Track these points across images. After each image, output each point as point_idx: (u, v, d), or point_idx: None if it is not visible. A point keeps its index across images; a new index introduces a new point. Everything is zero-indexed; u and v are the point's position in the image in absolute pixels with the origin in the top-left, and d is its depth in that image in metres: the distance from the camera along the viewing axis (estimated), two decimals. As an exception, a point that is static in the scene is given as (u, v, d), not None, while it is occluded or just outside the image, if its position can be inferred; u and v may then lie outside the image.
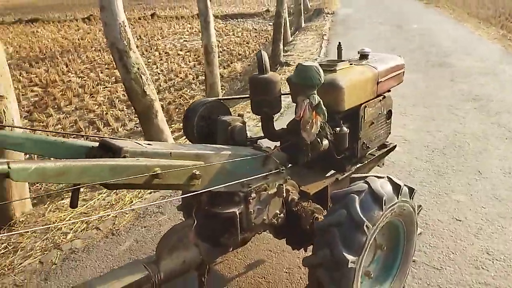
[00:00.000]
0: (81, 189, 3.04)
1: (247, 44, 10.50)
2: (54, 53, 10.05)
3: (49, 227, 2.63)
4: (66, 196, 3.20)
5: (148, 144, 1.27)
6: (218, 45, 6.66)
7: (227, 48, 10.17)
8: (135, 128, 5.52)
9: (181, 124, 5.62)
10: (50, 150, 1.14)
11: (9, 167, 0.82)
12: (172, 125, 5.33)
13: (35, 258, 2.37)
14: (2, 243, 2.58)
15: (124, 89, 4.10)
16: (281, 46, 7.96)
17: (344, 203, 1.50)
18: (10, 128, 2.08)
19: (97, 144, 1.20)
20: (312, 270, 1.58)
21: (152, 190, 3.03)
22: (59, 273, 2.19)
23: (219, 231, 1.54)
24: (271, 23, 10.89)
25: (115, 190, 3.11)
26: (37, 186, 3.90)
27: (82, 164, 0.97)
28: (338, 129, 1.82)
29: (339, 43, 2.04)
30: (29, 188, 3.15)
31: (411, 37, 8.96)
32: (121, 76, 3.74)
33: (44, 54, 10.06)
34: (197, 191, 1.28)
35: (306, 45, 9.22)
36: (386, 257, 1.84)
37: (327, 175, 1.96)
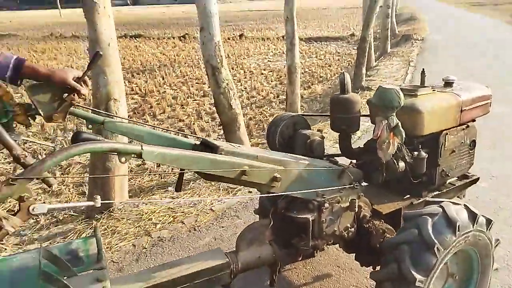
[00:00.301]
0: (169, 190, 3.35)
1: (329, 67, 10.60)
2: (153, 66, 11.19)
3: (142, 216, 3.01)
4: (156, 193, 3.61)
5: (239, 146, 1.48)
6: (300, 67, 6.88)
7: (309, 70, 10.38)
8: (217, 138, 5.93)
9: (260, 139, 5.89)
10: (163, 143, 1.40)
11: (142, 149, 1.07)
12: (251, 140, 5.63)
13: (129, 241, 2.74)
14: (102, 226, 3.01)
15: (213, 102, 4.49)
16: (364, 71, 7.94)
17: (416, 223, 1.54)
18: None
19: (198, 142, 1.45)
20: (379, 284, 1.64)
21: (230, 196, 3.30)
22: (148, 256, 2.53)
23: (292, 234, 1.68)
24: (355, 47, 10.89)
25: (197, 192, 3.45)
26: (131, 182, 4.43)
27: (191, 154, 1.20)
28: (416, 153, 1.86)
29: (423, 69, 2.09)
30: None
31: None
32: (211, 89, 4.13)
33: (144, 67, 11.23)
34: (276, 192, 1.45)
35: (391, 71, 9.05)
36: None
37: (402, 198, 1.99)
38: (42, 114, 1.22)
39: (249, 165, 1.36)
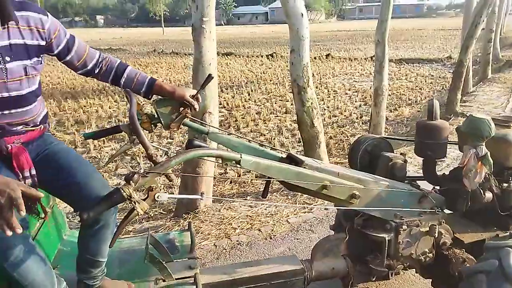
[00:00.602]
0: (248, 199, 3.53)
1: (419, 90, 10.14)
2: (240, 82, 11.82)
3: (223, 220, 3.26)
4: (236, 201, 3.86)
5: (322, 162, 1.61)
6: (388, 89, 6.75)
7: (397, 92, 10.05)
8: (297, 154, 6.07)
9: (339, 158, 5.88)
10: (255, 154, 1.58)
11: (241, 157, 1.26)
12: (331, 158, 5.66)
13: (211, 241, 3.00)
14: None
15: (295, 119, 4.67)
16: (459, 96, 7.47)
17: (497, 254, 1.50)
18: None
19: (285, 155, 1.61)
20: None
21: (306, 211, 3.41)
22: (227, 256, 2.75)
23: (366, 251, 1.74)
24: (451, 71, 10.27)
25: (275, 204, 3.62)
26: (214, 189, 4.77)
27: (280, 165, 1.37)
28: (505, 185, 1.80)
29: None
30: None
31: None
32: (295, 107, 4.31)
33: (233, 83, 11.91)
34: (353, 208, 1.54)
35: (490, 98, 8.37)
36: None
37: (486, 229, 1.92)
38: (162, 123, 1.51)
39: (330, 181, 1.47)
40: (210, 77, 1.56)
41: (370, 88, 7.53)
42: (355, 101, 9.20)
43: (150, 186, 1.08)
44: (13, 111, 1.39)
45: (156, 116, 1.51)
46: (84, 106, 8.73)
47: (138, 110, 1.39)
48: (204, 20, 3.00)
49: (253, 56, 17.98)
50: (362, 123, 7.52)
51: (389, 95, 9.33)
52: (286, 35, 4.12)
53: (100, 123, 7.42)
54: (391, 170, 1.91)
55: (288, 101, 9.08)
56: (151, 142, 1.22)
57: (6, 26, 1.34)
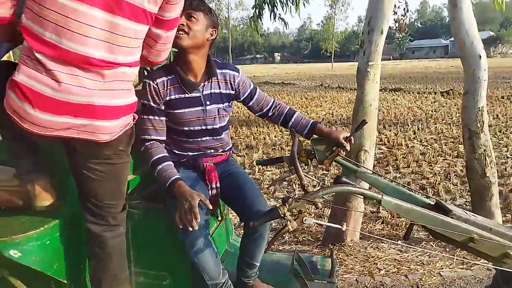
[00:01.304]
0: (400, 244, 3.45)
1: None
2: (406, 120, 11.27)
3: (369, 258, 3.27)
4: (384, 242, 3.79)
5: (473, 215, 1.56)
6: None
7: None
8: (464, 205, 5.46)
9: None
10: (400, 197, 1.66)
11: (382, 197, 1.40)
12: (508, 215, 4.88)
13: (352, 275, 3.06)
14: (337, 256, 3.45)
15: (465, 166, 4.28)
16: None
17: None
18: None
19: (433, 202, 1.63)
20: None
21: (464, 267, 3.10)
22: (367, 294, 2.77)
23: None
24: None
25: (428, 254, 3.41)
26: (363, 226, 4.75)
27: (422, 211, 1.43)
28: None
29: None
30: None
31: None
32: (465, 153, 3.97)
33: (397, 120, 11.45)
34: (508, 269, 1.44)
35: None
36: None
37: None
38: (317, 159, 1.79)
39: (479, 235, 1.42)
40: (364, 122, 1.76)
41: None
42: (554, 151, 7.63)
43: (300, 210, 1.33)
44: (208, 138, 1.93)
45: (312, 152, 1.80)
46: (255, 133, 9.90)
47: (299, 147, 1.70)
48: (370, 64, 3.20)
49: (424, 93, 16.88)
50: (559, 178, 6.19)
51: None
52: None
53: (266, 149, 8.30)
54: None
55: (461, 144, 8.21)
56: (309, 171, 1.50)
57: (210, 80, 1.88)
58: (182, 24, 1.71)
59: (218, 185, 1.90)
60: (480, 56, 3.59)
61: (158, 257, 1.80)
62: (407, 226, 4.13)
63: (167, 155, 1.82)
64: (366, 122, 1.79)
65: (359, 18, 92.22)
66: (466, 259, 3.25)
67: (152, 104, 1.81)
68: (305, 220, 1.30)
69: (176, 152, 1.92)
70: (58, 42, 1.31)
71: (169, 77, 1.83)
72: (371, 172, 1.96)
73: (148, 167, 1.77)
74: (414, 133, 9.50)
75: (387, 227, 4.25)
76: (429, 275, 3.01)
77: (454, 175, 6.61)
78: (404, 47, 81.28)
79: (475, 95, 3.69)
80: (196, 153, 1.93)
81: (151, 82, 1.81)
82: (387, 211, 4.71)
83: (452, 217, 1.50)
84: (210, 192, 1.88)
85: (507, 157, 7.47)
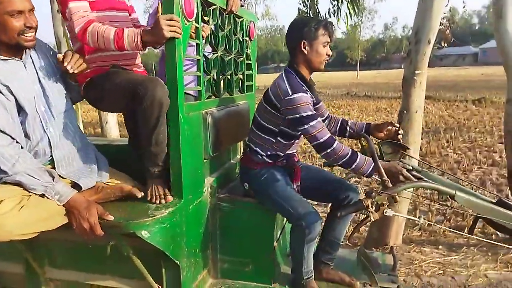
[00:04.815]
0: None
1: None
2: (438, 128, 11.16)
3: (413, 262, 3.38)
4: (426, 247, 3.88)
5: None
6: None
7: None
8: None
9: None
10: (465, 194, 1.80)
11: (455, 193, 1.56)
12: (550, 224, 4.85)
13: (400, 276, 3.17)
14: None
15: (506, 173, 4.31)
16: None
17: None
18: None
19: (495, 200, 1.77)
20: None
21: (509, 269, 3.17)
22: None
23: None
24: None
25: (470, 257, 3.49)
26: (403, 233, 4.83)
27: (491, 206, 1.58)
28: None
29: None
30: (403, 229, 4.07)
31: None
32: (507, 159, 4.02)
33: (429, 128, 11.35)
34: None
35: None
36: None
37: None
38: (384, 159, 1.96)
39: (542, 229, 1.56)
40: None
41: None
42: None
43: (382, 203, 1.50)
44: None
45: (379, 154, 1.97)
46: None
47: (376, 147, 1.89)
48: (416, 73, 3.34)
49: (455, 101, 16.63)
50: None
51: None
52: (499, 78, 3.93)
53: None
54: None
55: (496, 152, 8.13)
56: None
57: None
58: None
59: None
60: (525, 59, 3.67)
61: (243, 245, 2.00)
62: (445, 234, 4.20)
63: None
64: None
65: (385, 26, 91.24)
66: (510, 263, 3.31)
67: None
68: (385, 212, 1.47)
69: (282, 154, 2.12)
70: None
71: None
72: (435, 172, 2.12)
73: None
74: (447, 142, 9.43)
75: (425, 233, 4.33)
76: (475, 277, 3.09)
77: (490, 183, 6.57)
78: (432, 54, 79.57)
79: (519, 103, 3.76)
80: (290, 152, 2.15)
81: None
82: (425, 219, 4.78)
83: (515, 213, 1.64)
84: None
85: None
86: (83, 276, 1.85)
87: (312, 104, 1.93)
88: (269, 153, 2.05)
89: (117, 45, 1.69)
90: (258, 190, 2.02)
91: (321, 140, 1.82)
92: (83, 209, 1.54)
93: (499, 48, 3.64)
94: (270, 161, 2.05)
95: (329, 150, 1.81)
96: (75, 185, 1.71)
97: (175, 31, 1.59)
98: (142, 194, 1.76)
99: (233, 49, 2.36)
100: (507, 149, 3.95)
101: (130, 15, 2.07)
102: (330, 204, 2.10)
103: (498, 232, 3.51)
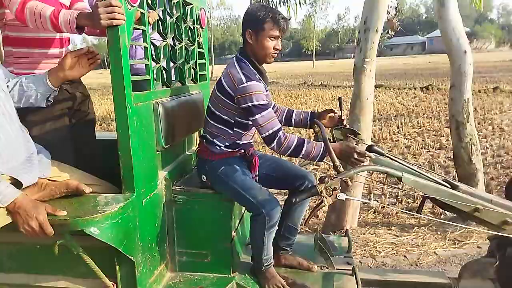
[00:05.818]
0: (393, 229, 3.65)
1: None
2: (389, 115, 11.65)
3: (368, 243, 3.52)
4: (380, 228, 4.05)
5: (476, 190, 1.80)
6: None
7: None
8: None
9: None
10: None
11: (402, 175, 1.61)
12: (490, 200, 5.23)
13: (356, 258, 3.29)
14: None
15: (451, 156, 4.59)
16: None
17: None
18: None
19: (440, 180, 1.86)
20: None
21: (456, 246, 3.39)
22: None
23: (518, 282, 1.81)
24: None
25: (422, 237, 3.69)
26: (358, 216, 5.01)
27: (436, 185, 1.65)
28: None
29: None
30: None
31: None
32: (453, 142, 4.26)
33: (381, 115, 11.81)
34: (505, 234, 1.68)
35: None
36: None
37: None
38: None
39: (483, 205, 1.66)
40: (340, 100, 2.11)
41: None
42: (527, 141, 8.11)
43: (335, 187, 1.53)
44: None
45: (331, 140, 2.01)
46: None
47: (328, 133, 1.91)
48: (366, 61, 3.43)
49: (405, 89, 17.39)
50: (534, 166, 6.63)
51: None
52: (444, 65, 4.16)
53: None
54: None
55: (443, 136, 8.62)
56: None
57: None
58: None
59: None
60: (466, 52, 3.89)
61: (200, 237, 1.96)
62: (398, 215, 4.41)
63: None
64: (341, 97, 2.10)
65: (338, 16, 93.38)
66: (456, 239, 3.54)
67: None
68: (338, 196, 1.50)
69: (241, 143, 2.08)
70: None
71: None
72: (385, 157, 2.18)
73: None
74: (398, 128, 9.87)
75: (379, 215, 4.52)
76: (426, 255, 3.27)
77: (438, 165, 6.97)
78: (382, 44, 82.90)
79: (461, 88, 3.98)
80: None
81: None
82: (379, 202, 4.99)
83: (459, 191, 1.73)
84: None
85: (486, 148, 7.89)
86: (33, 279, 1.74)
87: (265, 93, 1.92)
88: (227, 143, 2.03)
89: (52, 25, 1.61)
90: (216, 181, 1.98)
91: (270, 132, 1.83)
92: (30, 208, 1.44)
93: (442, 36, 3.83)
94: (229, 151, 2.03)
95: (276, 142, 1.82)
96: (15, 182, 1.59)
97: (114, 18, 1.50)
98: (91, 190, 1.67)
99: (183, 37, 2.29)
100: (452, 133, 4.18)
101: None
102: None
103: (446, 212, 3.73)
